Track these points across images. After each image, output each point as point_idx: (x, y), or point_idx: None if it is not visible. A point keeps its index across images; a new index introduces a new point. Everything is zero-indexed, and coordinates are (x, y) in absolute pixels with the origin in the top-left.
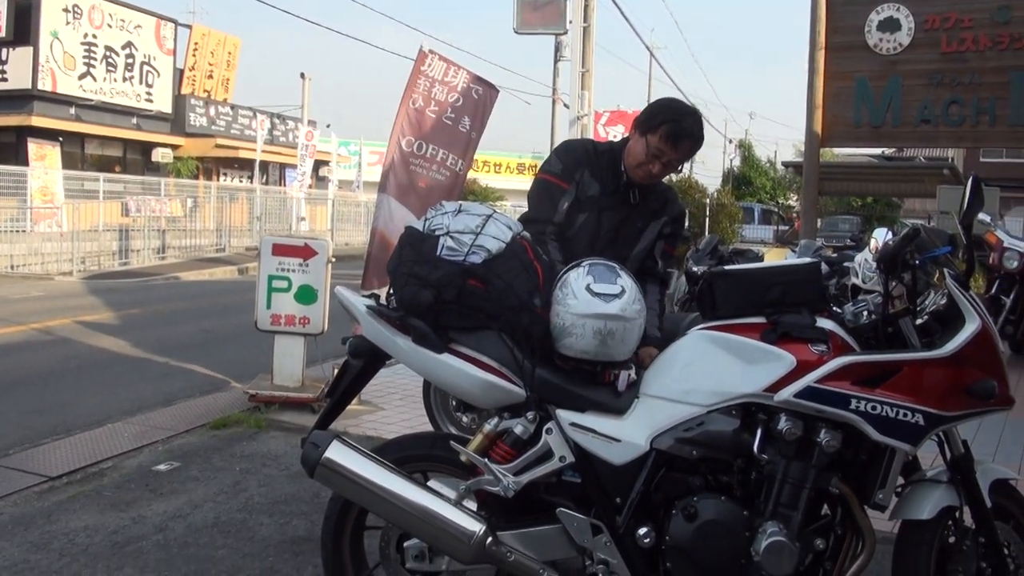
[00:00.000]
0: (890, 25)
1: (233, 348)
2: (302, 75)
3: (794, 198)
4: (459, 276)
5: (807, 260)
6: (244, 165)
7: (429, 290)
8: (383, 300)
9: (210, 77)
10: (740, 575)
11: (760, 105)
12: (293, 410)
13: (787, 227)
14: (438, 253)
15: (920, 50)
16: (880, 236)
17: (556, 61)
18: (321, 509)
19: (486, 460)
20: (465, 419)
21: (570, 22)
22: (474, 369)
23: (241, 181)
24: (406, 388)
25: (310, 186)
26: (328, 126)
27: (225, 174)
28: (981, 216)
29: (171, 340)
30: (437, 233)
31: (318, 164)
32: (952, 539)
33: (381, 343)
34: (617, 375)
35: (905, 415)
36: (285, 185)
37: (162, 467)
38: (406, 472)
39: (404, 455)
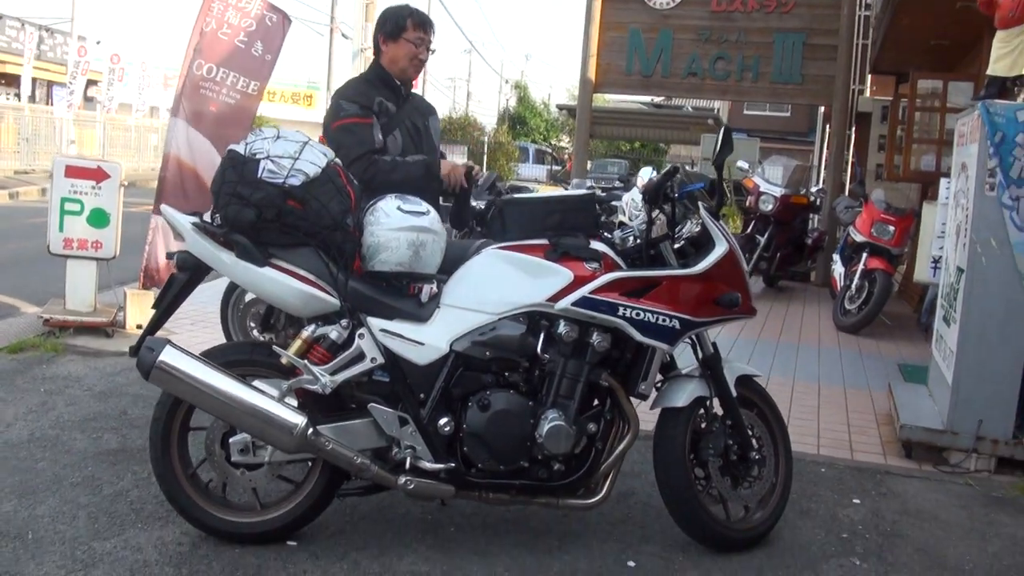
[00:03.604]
0: None
1: (18, 273)
2: None
3: (566, 139)
4: (279, 197)
5: (584, 191)
6: (12, 81)
7: (251, 209)
8: (206, 218)
9: None
10: (525, 455)
11: (536, 48)
12: (88, 334)
13: (560, 167)
14: (259, 175)
15: (691, 7)
16: (645, 174)
17: None
18: (129, 425)
19: (305, 362)
20: (263, 339)
21: None
22: (293, 281)
23: (8, 99)
24: (195, 313)
25: (80, 107)
26: (98, 42)
27: None
28: (740, 163)
29: None
30: (258, 157)
31: (87, 83)
32: (703, 424)
33: (206, 258)
34: (420, 288)
35: (663, 320)
36: (52, 104)
37: None
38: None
39: (227, 360)
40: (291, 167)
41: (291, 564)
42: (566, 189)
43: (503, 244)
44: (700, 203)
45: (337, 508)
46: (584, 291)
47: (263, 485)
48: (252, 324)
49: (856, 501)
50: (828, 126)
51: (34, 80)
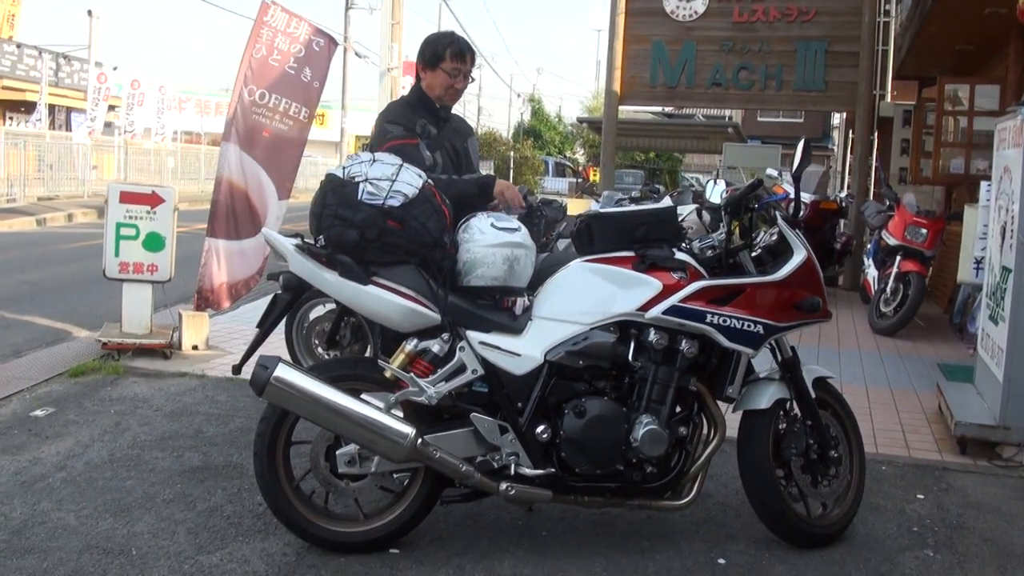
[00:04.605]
0: None
1: (64, 299)
2: (89, 12)
3: (580, 152)
4: (380, 217)
5: (667, 205)
6: (31, 108)
7: (354, 230)
8: (307, 240)
9: None
10: (620, 459)
11: (546, 61)
12: (145, 356)
13: (582, 179)
14: (359, 198)
15: (714, 18)
16: (716, 190)
17: (347, 8)
18: (207, 443)
19: (411, 375)
20: (327, 356)
21: None
22: (396, 298)
23: (26, 126)
24: (247, 333)
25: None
26: (115, 68)
27: (11, 118)
28: (769, 171)
29: None
30: (357, 180)
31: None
32: (784, 425)
33: (310, 278)
34: (514, 301)
35: (748, 326)
36: (71, 130)
37: (39, 413)
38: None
39: (332, 375)
40: (390, 188)
41: (398, 571)
42: (597, 201)
43: (591, 256)
44: (777, 213)
45: (431, 517)
46: (673, 300)
47: (366, 495)
48: (316, 341)
49: (920, 496)
50: (851, 132)
51: (52, 107)
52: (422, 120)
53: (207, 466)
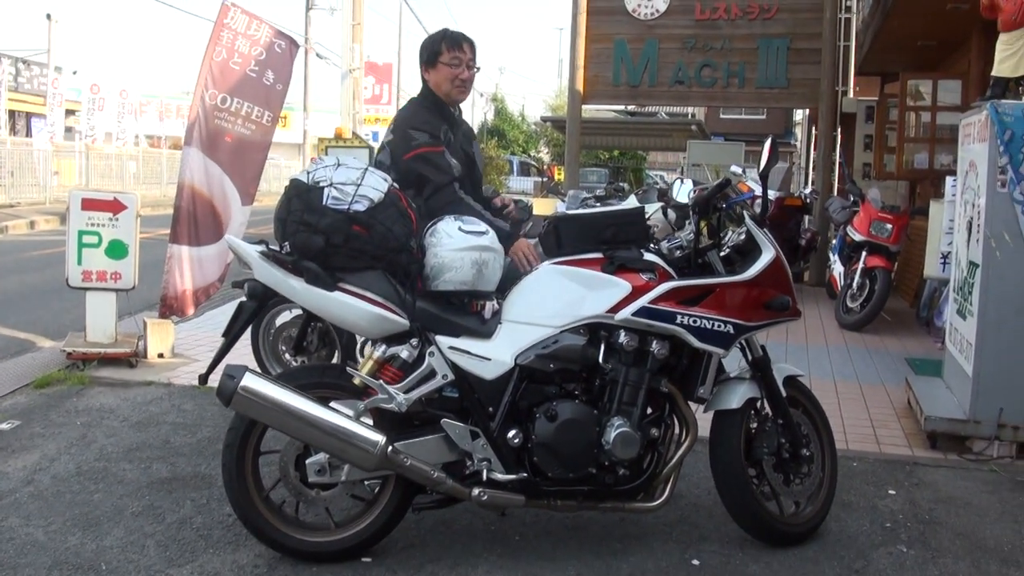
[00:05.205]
0: None
1: (26, 308)
2: (48, 16)
3: (544, 150)
4: (345, 223)
5: (633, 206)
6: None
7: (319, 236)
8: (272, 247)
9: None
10: (593, 462)
11: (508, 60)
12: (111, 366)
13: (547, 178)
14: (324, 203)
15: (675, 16)
16: (683, 189)
17: (308, 9)
18: (175, 453)
19: (381, 382)
20: (295, 362)
21: None
22: (363, 304)
23: None
24: (212, 340)
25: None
26: (74, 72)
27: None
28: (734, 167)
29: None
30: (321, 185)
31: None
32: (755, 424)
33: (275, 285)
34: (483, 305)
35: (719, 326)
36: (31, 136)
37: (4, 426)
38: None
39: (299, 383)
40: (355, 193)
41: None
42: (563, 200)
43: (559, 259)
44: (745, 212)
45: (403, 524)
46: (643, 301)
47: (336, 504)
48: (283, 347)
49: (892, 492)
50: (814, 128)
51: (12, 112)
52: (445, 125)
53: (175, 477)
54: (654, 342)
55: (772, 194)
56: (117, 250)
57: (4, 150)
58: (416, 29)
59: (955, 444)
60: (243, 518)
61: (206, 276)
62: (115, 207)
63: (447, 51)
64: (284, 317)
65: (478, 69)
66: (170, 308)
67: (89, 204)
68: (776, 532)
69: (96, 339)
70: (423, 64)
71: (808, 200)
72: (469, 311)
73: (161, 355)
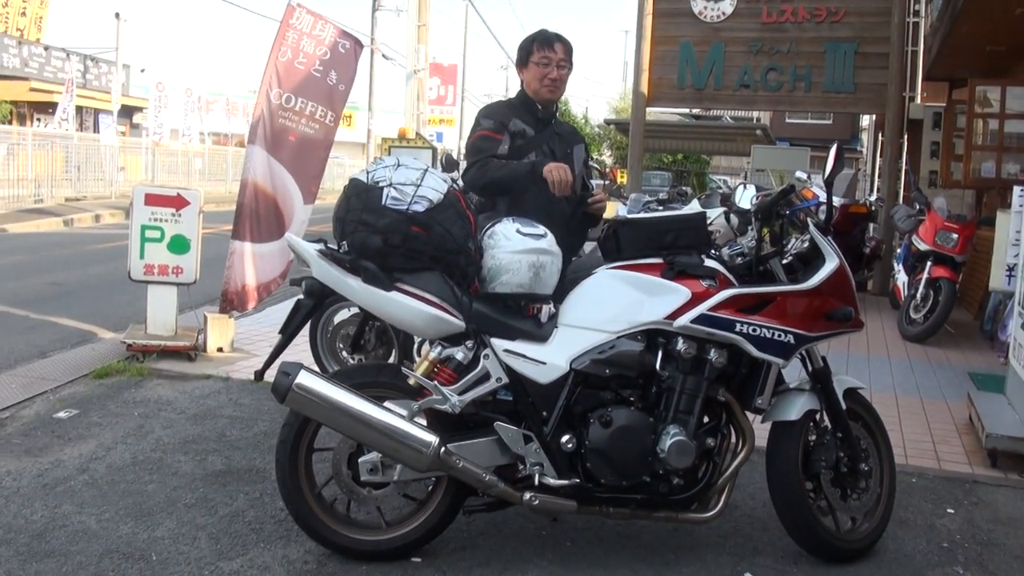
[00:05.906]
0: None
1: (89, 300)
2: (117, 15)
3: (607, 153)
4: (404, 223)
5: (695, 211)
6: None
7: (378, 236)
8: (331, 245)
9: (23, 15)
10: (647, 470)
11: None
12: (170, 358)
13: (609, 181)
14: (383, 202)
15: (742, 19)
16: (745, 195)
17: (375, 10)
18: (230, 447)
19: (435, 383)
20: (352, 360)
21: None
22: (420, 304)
23: (46, 126)
24: (271, 336)
25: (123, 133)
26: (142, 70)
27: (39, 120)
28: (799, 173)
29: (24, 294)
30: (381, 185)
31: (132, 110)
32: (813, 437)
33: (333, 284)
34: (539, 309)
35: (779, 336)
36: (99, 132)
37: (62, 415)
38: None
39: (354, 382)
40: (414, 194)
41: None
42: (624, 203)
43: (618, 264)
44: (809, 220)
45: (454, 526)
46: (702, 308)
47: (388, 503)
48: (341, 345)
49: (950, 511)
50: (880, 134)
51: (80, 108)
52: (517, 119)
53: (230, 470)
54: (712, 350)
55: (837, 201)
56: (179, 245)
57: (71, 145)
58: (482, 30)
59: (1017, 463)
60: (295, 514)
61: (267, 272)
62: (178, 203)
63: (537, 51)
64: (342, 315)
65: (569, 68)
66: (230, 303)
67: (152, 199)
68: (831, 548)
69: (156, 332)
70: (517, 63)
71: (873, 208)
72: (525, 314)
73: (220, 349)
